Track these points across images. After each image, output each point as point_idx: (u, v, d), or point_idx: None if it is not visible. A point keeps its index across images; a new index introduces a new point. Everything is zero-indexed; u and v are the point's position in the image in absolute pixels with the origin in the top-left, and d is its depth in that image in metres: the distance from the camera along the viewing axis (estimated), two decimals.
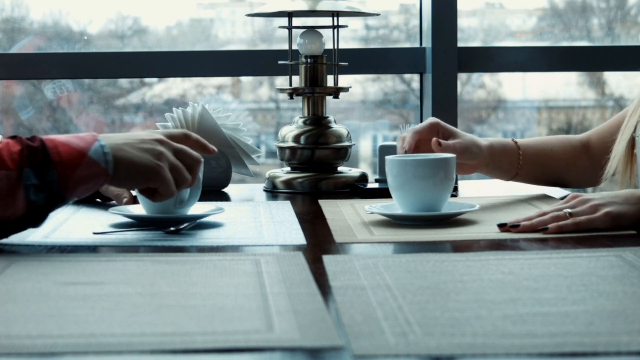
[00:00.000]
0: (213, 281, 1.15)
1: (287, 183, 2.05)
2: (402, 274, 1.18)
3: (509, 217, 1.56)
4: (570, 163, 1.88)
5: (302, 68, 2.11)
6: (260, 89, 3.27)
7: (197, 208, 1.60)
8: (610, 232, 1.47)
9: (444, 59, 2.64)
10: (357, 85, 3.07)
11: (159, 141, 1.41)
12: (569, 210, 1.50)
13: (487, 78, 3.22)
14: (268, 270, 1.20)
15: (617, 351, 0.87)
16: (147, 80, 3.06)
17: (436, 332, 0.92)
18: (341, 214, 1.67)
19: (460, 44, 2.66)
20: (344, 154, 2.07)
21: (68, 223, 1.58)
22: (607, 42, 3.01)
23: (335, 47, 2.14)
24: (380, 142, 2.07)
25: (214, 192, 2.04)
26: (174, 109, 2.08)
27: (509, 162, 1.82)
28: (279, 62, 2.20)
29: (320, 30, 2.13)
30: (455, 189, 1.91)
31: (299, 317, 0.98)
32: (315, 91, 2.09)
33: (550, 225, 1.47)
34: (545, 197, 1.85)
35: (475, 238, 1.45)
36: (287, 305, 1.02)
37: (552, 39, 3.10)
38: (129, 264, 1.26)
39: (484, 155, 1.78)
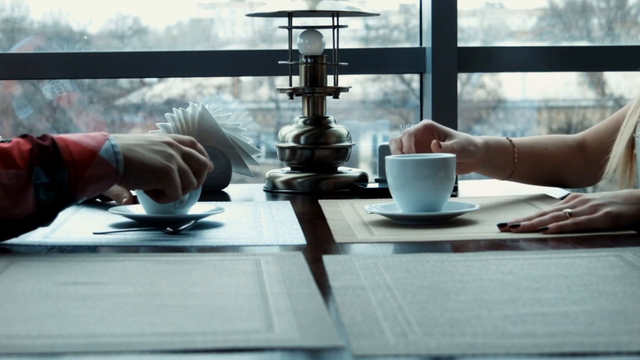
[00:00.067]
0: (213, 281, 1.15)
1: (287, 183, 2.05)
2: (402, 274, 1.18)
3: (509, 217, 1.56)
4: (565, 162, 1.88)
5: (302, 68, 2.11)
6: (260, 89, 3.27)
7: (197, 208, 1.60)
8: (610, 232, 1.47)
9: (444, 59, 2.64)
10: (357, 85, 3.07)
11: (169, 144, 1.42)
12: (569, 210, 1.50)
13: (487, 78, 3.22)
14: (268, 270, 1.20)
15: (617, 351, 0.87)
16: (147, 80, 3.06)
17: (436, 332, 0.92)
18: (341, 214, 1.67)
19: (460, 44, 2.66)
20: (344, 154, 2.07)
21: (68, 223, 1.58)
22: (607, 42, 3.01)
23: (335, 47, 2.14)
24: (380, 142, 2.07)
25: (214, 192, 2.04)
26: (174, 109, 2.08)
27: (505, 161, 1.82)
28: (279, 62, 2.20)
29: (320, 30, 2.13)
30: (455, 189, 1.91)
31: (299, 317, 0.98)
32: (315, 91, 2.09)
33: (550, 225, 1.47)
34: (545, 197, 1.85)
35: (475, 238, 1.45)
36: (287, 305, 1.02)
37: (552, 39, 3.10)
38: (129, 264, 1.26)
39: (480, 153, 1.78)
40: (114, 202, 1.75)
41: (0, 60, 2.62)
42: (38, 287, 1.12)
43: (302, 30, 2.13)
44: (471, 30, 3.15)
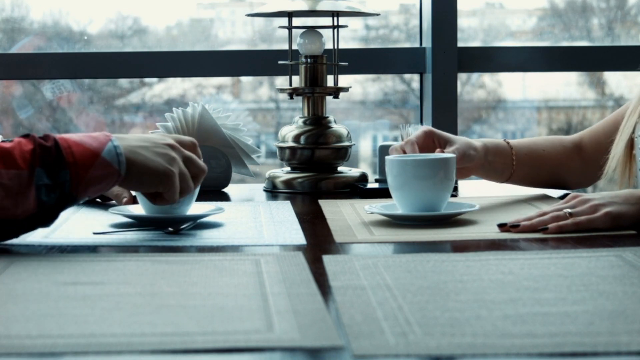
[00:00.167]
0: (213, 281, 1.15)
1: (287, 183, 2.05)
2: (402, 274, 1.18)
3: (509, 217, 1.56)
4: (563, 163, 1.88)
5: (302, 68, 2.11)
6: (260, 89, 3.27)
7: (197, 208, 1.60)
8: (610, 232, 1.47)
9: (444, 59, 2.64)
10: (357, 85, 3.07)
11: (172, 146, 1.42)
12: (569, 210, 1.50)
13: (487, 78, 3.22)
14: (268, 270, 1.20)
15: (617, 351, 0.87)
16: (147, 80, 3.06)
17: (436, 332, 0.92)
18: (341, 214, 1.67)
19: (460, 44, 2.66)
20: (344, 154, 2.07)
21: (68, 223, 1.58)
22: (607, 42, 3.01)
23: (335, 47, 2.14)
24: (380, 142, 2.07)
25: (214, 192, 2.04)
26: (174, 109, 2.08)
27: (503, 163, 1.82)
28: (279, 62, 2.20)
29: (320, 30, 2.13)
30: (455, 189, 1.91)
31: (299, 317, 0.98)
32: (315, 91, 2.09)
33: (550, 225, 1.47)
34: (545, 197, 1.85)
35: (475, 238, 1.45)
36: (287, 305, 1.02)
37: (552, 39, 3.10)
38: (129, 264, 1.26)
39: (480, 156, 1.77)
40: (114, 202, 1.75)
41: (0, 60, 2.62)
42: (38, 287, 1.12)
43: (302, 30, 2.13)
44: (471, 30, 3.15)
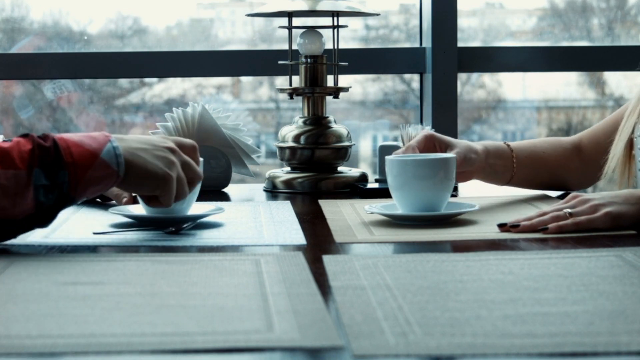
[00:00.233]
0: (213, 281, 1.15)
1: (287, 183, 2.05)
2: (402, 274, 1.18)
3: (509, 217, 1.56)
4: (563, 165, 1.88)
5: (302, 68, 2.11)
6: (260, 89, 3.27)
7: (197, 208, 1.60)
8: (610, 232, 1.47)
9: (444, 59, 2.64)
10: (357, 85, 3.07)
11: (172, 150, 1.42)
12: (569, 210, 1.50)
13: (487, 78, 3.22)
14: (268, 270, 1.20)
15: (617, 351, 0.87)
16: (147, 80, 3.06)
17: (436, 332, 0.92)
18: (341, 214, 1.67)
19: (460, 44, 2.66)
20: (344, 154, 2.08)
21: (68, 223, 1.58)
22: (607, 42, 3.01)
23: (335, 47, 2.14)
24: (380, 142, 2.07)
25: (214, 192, 2.04)
26: (174, 109, 2.08)
27: (504, 165, 1.82)
28: (279, 62, 2.20)
29: (320, 30, 2.13)
30: (455, 189, 1.91)
31: (299, 317, 0.98)
32: (315, 91, 2.09)
33: (550, 225, 1.47)
34: (545, 197, 1.85)
35: (475, 238, 1.45)
36: (287, 305, 1.02)
37: (552, 39, 3.10)
38: (129, 264, 1.26)
39: (481, 159, 1.77)
40: (114, 202, 1.75)
41: (1, 60, 2.62)
42: (38, 287, 1.12)
43: (302, 30, 2.13)
44: (471, 30, 3.15)
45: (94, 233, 1.49)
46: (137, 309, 1.02)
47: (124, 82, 3.06)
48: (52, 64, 2.63)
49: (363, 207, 1.66)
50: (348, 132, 2.09)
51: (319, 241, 1.45)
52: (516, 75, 3.18)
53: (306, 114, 2.10)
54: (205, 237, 1.46)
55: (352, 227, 1.54)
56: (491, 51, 2.74)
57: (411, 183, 1.57)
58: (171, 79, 3.06)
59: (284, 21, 2.16)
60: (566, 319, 0.97)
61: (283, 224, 1.57)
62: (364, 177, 2.07)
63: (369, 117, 3.16)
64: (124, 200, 1.70)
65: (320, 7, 2.07)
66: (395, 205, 1.61)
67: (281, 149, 2.08)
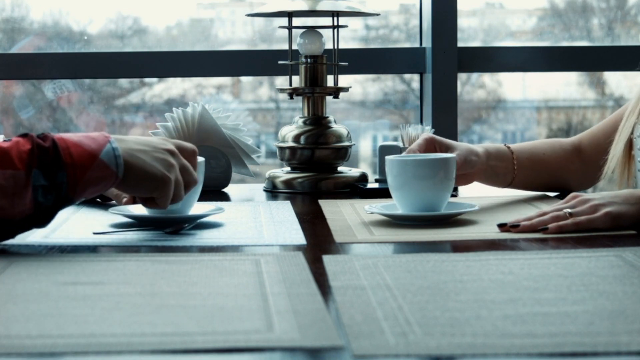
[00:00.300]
0: (213, 281, 1.15)
1: (287, 183, 2.05)
2: (402, 274, 1.18)
3: (509, 217, 1.56)
4: (563, 166, 1.87)
5: (302, 68, 2.11)
6: (260, 89, 3.27)
7: (197, 208, 1.60)
8: (610, 232, 1.47)
9: (444, 59, 2.64)
10: (357, 85, 3.07)
11: (171, 152, 1.42)
12: (569, 210, 1.50)
13: (487, 78, 3.22)
14: (268, 270, 1.20)
15: (617, 351, 0.87)
16: (147, 80, 3.06)
17: (436, 332, 0.92)
18: (341, 214, 1.67)
19: (460, 44, 2.66)
20: (344, 154, 2.08)
21: (68, 223, 1.58)
22: (607, 42, 3.01)
23: (335, 47, 2.14)
24: (380, 142, 2.07)
25: (214, 192, 2.04)
26: (174, 109, 2.08)
27: (505, 167, 1.81)
28: (279, 62, 2.20)
29: (320, 30, 2.13)
30: (456, 189, 1.91)
31: (299, 317, 0.98)
32: (315, 91, 2.09)
33: (550, 225, 1.47)
34: (545, 197, 1.85)
35: (475, 238, 1.45)
36: (287, 305, 1.02)
37: (552, 39, 3.10)
38: (129, 264, 1.26)
39: (482, 161, 1.76)
40: (114, 202, 1.75)
41: (1, 60, 2.62)
42: (38, 287, 1.12)
43: (302, 30, 2.13)
44: (471, 30, 3.15)
45: (94, 233, 1.49)
46: (137, 309, 1.02)
47: (124, 82, 3.06)
48: (52, 64, 2.63)
49: (363, 207, 1.66)
50: (348, 132, 2.09)
51: (319, 241, 1.45)
52: (516, 75, 3.18)
53: (306, 114, 2.10)
54: (205, 237, 1.46)
55: (352, 227, 1.54)
56: (491, 51, 2.74)
57: (411, 183, 1.57)
58: (171, 79, 3.06)
59: (284, 21, 2.16)
60: (566, 319, 0.97)
61: (283, 224, 1.57)
62: (364, 177, 2.07)
63: (369, 117, 3.16)
64: (124, 200, 1.70)
65: (320, 7, 2.07)
66: (395, 205, 1.61)
67: (281, 149, 2.08)
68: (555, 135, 3.23)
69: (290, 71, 2.13)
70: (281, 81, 2.83)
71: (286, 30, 2.14)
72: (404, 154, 1.73)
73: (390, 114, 3.16)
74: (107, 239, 1.46)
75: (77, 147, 1.33)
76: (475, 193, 1.96)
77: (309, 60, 2.10)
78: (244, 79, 3.17)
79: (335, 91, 2.11)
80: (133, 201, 1.68)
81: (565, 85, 3.22)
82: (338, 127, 2.09)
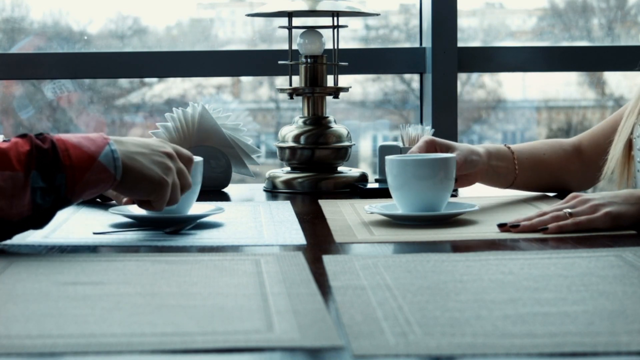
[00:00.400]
0: (213, 281, 1.15)
1: (287, 183, 2.05)
2: (402, 274, 1.18)
3: (509, 217, 1.56)
4: (564, 167, 1.87)
5: (302, 68, 2.11)
6: (260, 89, 3.27)
7: (197, 208, 1.60)
8: (610, 232, 1.47)
9: (444, 59, 2.64)
10: (357, 85, 3.07)
11: (169, 155, 1.42)
12: (569, 210, 1.50)
13: (487, 78, 3.22)
14: (268, 270, 1.20)
15: (617, 351, 0.87)
16: (147, 80, 3.06)
17: (436, 332, 0.92)
18: (341, 214, 1.67)
19: (460, 44, 2.66)
20: (344, 154, 2.08)
21: (68, 223, 1.58)
22: (607, 42, 3.01)
23: (335, 47, 2.14)
24: (380, 142, 2.07)
25: (214, 192, 2.04)
26: (174, 109, 2.08)
27: (506, 168, 1.81)
28: (279, 62, 2.20)
29: (320, 30, 2.13)
30: (456, 189, 1.91)
31: (299, 317, 0.98)
32: (315, 91, 2.09)
33: (550, 225, 1.47)
34: (545, 197, 1.85)
35: (475, 238, 1.45)
36: (287, 305, 1.02)
37: (552, 39, 3.10)
38: (129, 264, 1.26)
39: (484, 161, 1.76)
40: (114, 202, 1.75)
41: (1, 60, 2.62)
42: (38, 287, 1.12)
43: (302, 30, 2.13)
44: (471, 30, 3.15)
45: (94, 233, 1.49)
46: (137, 309, 1.02)
47: (124, 82, 3.06)
48: (52, 64, 2.63)
49: (363, 207, 1.66)
50: (348, 132, 2.10)
51: (319, 241, 1.45)
52: (516, 75, 3.19)
53: (306, 114, 2.10)
54: (205, 237, 1.46)
55: (352, 227, 1.54)
56: (491, 51, 2.74)
57: (411, 183, 1.57)
58: (171, 79, 3.06)
59: (284, 21, 2.16)
60: (566, 319, 0.97)
61: (283, 224, 1.57)
62: (364, 177, 2.07)
63: (369, 117, 3.17)
64: (124, 200, 1.70)
65: (320, 7, 2.07)
66: (395, 205, 1.61)
67: (281, 149, 2.08)
68: (555, 135, 3.23)
69: (290, 71, 2.13)
70: (281, 81, 2.83)
71: (286, 30, 2.14)
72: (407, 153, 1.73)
73: (390, 114, 3.16)
74: (107, 239, 1.46)
75: (76, 148, 1.33)
76: (475, 193, 1.96)
77: (309, 60, 2.10)
78: (244, 79, 3.17)
79: (335, 91, 2.11)
80: (133, 201, 1.68)
81: (565, 85, 3.22)
82: (338, 127, 2.09)
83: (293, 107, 3.13)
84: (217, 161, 2.06)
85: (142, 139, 1.43)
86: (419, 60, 2.69)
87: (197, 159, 1.57)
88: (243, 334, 0.92)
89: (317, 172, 2.05)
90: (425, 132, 1.98)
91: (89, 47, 2.88)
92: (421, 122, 2.70)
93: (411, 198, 1.57)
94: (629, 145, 1.78)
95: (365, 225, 1.55)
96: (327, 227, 1.55)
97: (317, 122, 2.08)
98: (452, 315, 0.98)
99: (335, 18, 2.13)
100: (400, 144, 2.00)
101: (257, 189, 2.10)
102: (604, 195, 1.52)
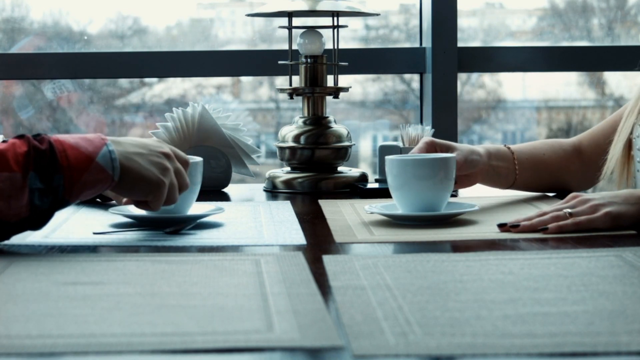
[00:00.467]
0: (213, 281, 1.15)
1: (287, 183, 2.05)
2: (402, 274, 1.18)
3: (509, 217, 1.56)
4: (564, 167, 1.87)
5: (302, 68, 2.11)
6: (260, 89, 3.27)
7: (197, 208, 1.60)
8: (610, 232, 1.47)
9: (444, 59, 2.64)
10: (357, 85, 3.07)
11: (167, 155, 1.42)
12: (569, 210, 1.50)
13: (487, 78, 3.22)
14: (268, 270, 1.20)
15: (617, 351, 0.87)
16: (147, 80, 3.06)
17: (436, 332, 0.92)
18: (341, 214, 1.67)
19: (460, 44, 2.66)
20: (344, 154, 2.08)
21: (68, 223, 1.58)
22: (607, 42, 3.01)
23: (335, 47, 2.14)
24: (380, 142, 2.07)
25: (214, 192, 2.04)
26: (174, 109, 2.08)
27: (507, 168, 1.81)
28: (279, 62, 2.20)
29: (320, 30, 2.13)
30: (456, 190, 1.91)
31: (299, 317, 0.98)
32: (315, 91, 2.09)
33: (550, 225, 1.47)
34: (545, 197, 1.85)
35: (475, 238, 1.45)
36: (287, 305, 1.02)
37: (552, 39, 3.10)
38: (129, 264, 1.26)
39: (484, 161, 1.76)
40: (114, 202, 1.75)
41: (1, 60, 2.62)
42: (38, 287, 1.12)
43: (302, 30, 2.13)
44: (471, 30, 3.15)
45: (94, 233, 1.49)
46: (137, 309, 1.02)
47: (124, 82, 3.06)
48: (52, 64, 2.63)
49: (363, 207, 1.66)
50: (348, 132, 2.10)
51: (319, 241, 1.45)
52: (516, 75, 3.19)
53: (306, 114, 2.10)
54: (205, 237, 1.46)
55: (352, 227, 1.54)
56: (491, 51, 2.74)
57: (411, 183, 1.57)
58: (171, 79, 3.06)
59: (284, 21, 2.16)
60: (566, 319, 0.97)
61: (283, 224, 1.57)
62: (364, 177, 2.07)
63: (369, 117, 3.17)
64: (124, 200, 1.70)
65: (320, 7, 2.07)
66: (395, 205, 1.61)
67: (281, 149, 2.08)
68: (555, 135, 3.23)
69: (290, 71, 2.13)
70: (281, 81, 2.83)
71: (286, 30, 2.14)
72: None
73: (390, 114, 3.16)
74: (107, 239, 1.46)
75: (74, 149, 1.33)
76: (476, 193, 1.96)
77: (309, 60, 2.10)
78: (244, 79, 3.17)
79: (335, 91, 2.11)
80: (132, 201, 1.68)
81: (565, 85, 3.22)
82: (338, 127, 2.09)
83: (293, 107, 3.13)
84: (217, 161, 2.06)
85: (139, 139, 1.43)
86: (419, 60, 2.69)
87: (197, 159, 1.57)
88: (243, 334, 0.92)
89: (317, 172, 2.05)
90: (425, 132, 1.98)
91: (89, 47, 2.88)
92: (421, 122, 2.70)
93: (411, 198, 1.57)
94: (629, 145, 1.78)
95: (365, 225, 1.55)
96: (327, 227, 1.55)
97: (317, 122, 2.08)
98: (452, 315, 0.98)
99: (335, 18, 2.13)
100: (400, 144, 2.00)
101: (257, 189, 2.10)
102: (604, 195, 1.52)
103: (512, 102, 3.26)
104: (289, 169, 2.09)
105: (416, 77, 2.85)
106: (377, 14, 2.14)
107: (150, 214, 1.55)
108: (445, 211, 1.59)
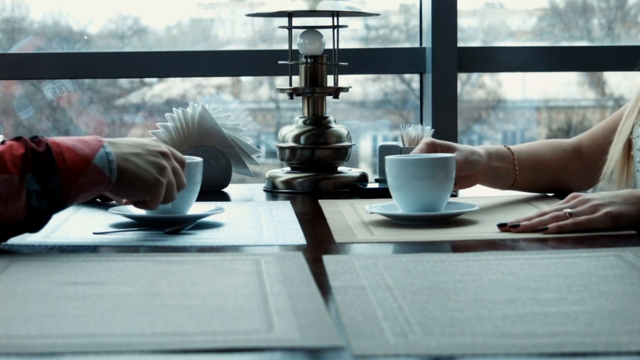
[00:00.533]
0: (213, 281, 1.15)
1: (287, 183, 2.05)
2: (402, 274, 1.18)
3: (509, 217, 1.56)
4: (564, 167, 1.87)
5: (302, 68, 2.11)
6: (260, 89, 3.27)
7: (197, 208, 1.60)
8: (610, 232, 1.47)
9: (444, 59, 2.64)
10: (357, 85, 3.07)
11: (164, 154, 1.42)
12: (569, 210, 1.50)
13: (487, 78, 3.22)
14: (268, 270, 1.20)
15: (617, 351, 0.87)
16: (147, 80, 3.06)
17: (436, 332, 0.92)
18: (341, 214, 1.67)
19: (460, 44, 2.66)
20: (344, 154, 2.08)
21: (68, 223, 1.58)
22: (607, 42, 3.01)
23: (335, 47, 2.14)
24: (380, 142, 2.07)
25: (214, 192, 2.04)
26: (174, 109, 2.08)
27: (507, 168, 1.81)
28: (279, 62, 2.20)
29: (320, 30, 2.13)
30: (456, 190, 1.91)
31: (299, 317, 0.98)
32: (315, 91, 2.09)
33: (550, 225, 1.47)
34: (545, 197, 1.85)
35: (475, 238, 1.45)
36: (287, 305, 1.02)
37: (552, 39, 3.10)
38: (129, 264, 1.26)
39: (484, 162, 1.76)
40: (114, 202, 1.75)
41: (1, 60, 2.62)
42: (38, 287, 1.12)
43: (302, 30, 2.13)
44: (471, 30, 3.15)
45: (94, 233, 1.49)
46: (137, 309, 1.02)
47: (124, 82, 3.06)
48: (52, 64, 2.63)
49: (363, 207, 1.66)
50: (348, 132, 2.10)
51: (319, 241, 1.45)
52: (516, 75, 3.18)
53: (306, 114, 2.10)
54: (205, 237, 1.46)
55: (352, 227, 1.54)
56: (491, 51, 2.74)
57: (411, 183, 1.57)
58: (171, 79, 3.06)
59: (284, 21, 2.16)
60: (566, 319, 0.97)
61: (283, 224, 1.57)
62: (364, 177, 2.07)
63: (369, 117, 3.17)
64: (124, 200, 1.70)
65: (320, 7, 2.07)
66: (395, 205, 1.61)
67: (281, 149, 2.08)
68: (555, 136, 3.23)
69: (290, 71, 2.13)
70: (281, 81, 2.83)
71: (286, 30, 2.14)
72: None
73: (390, 114, 3.16)
74: (107, 239, 1.46)
75: (71, 151, 1.33)
76: (476, 193, 1.96)
77: (309, 60, 2.10)
78: (244, 79, 3.17)
79: (335, 91, 2.11)
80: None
81: (565, 85, 3.22)
82: (338, 127, 2.09)
83: (293, 107, 3.13)
84: (217, 161, 2.06)
85: (136, 140, 1.43)
86: (419, 60, 2.69)
87: (197, 159, 1.57)
88: (243, 334, 0.92)
89: (317, 172, 2.05)
90: (425, 132, 1.98)
91: (89, 47, 2.88)
92: (421, 122, 2.70)
93: (411, 198, 1.57)
94: (629, 145, 1.78)
95: (365, 225, 1.55)
96: (327, 227, 1.55)
97: (317, 122, 2.08)
98: (452, 315, 0.98)
99: (335, 18, 2.13)
100: (400, 144, 2.00)
101: (257, 189, 2.10)
102: (604, 195, 1.52)
103: (512, 102, 3.26)
104: (289, 169, 2.09)
105: (416, 77, 2.85)
106: (377, 14, 2.14)
107: (150, 214, 1.55)
108: (445, 211, 1.59)
